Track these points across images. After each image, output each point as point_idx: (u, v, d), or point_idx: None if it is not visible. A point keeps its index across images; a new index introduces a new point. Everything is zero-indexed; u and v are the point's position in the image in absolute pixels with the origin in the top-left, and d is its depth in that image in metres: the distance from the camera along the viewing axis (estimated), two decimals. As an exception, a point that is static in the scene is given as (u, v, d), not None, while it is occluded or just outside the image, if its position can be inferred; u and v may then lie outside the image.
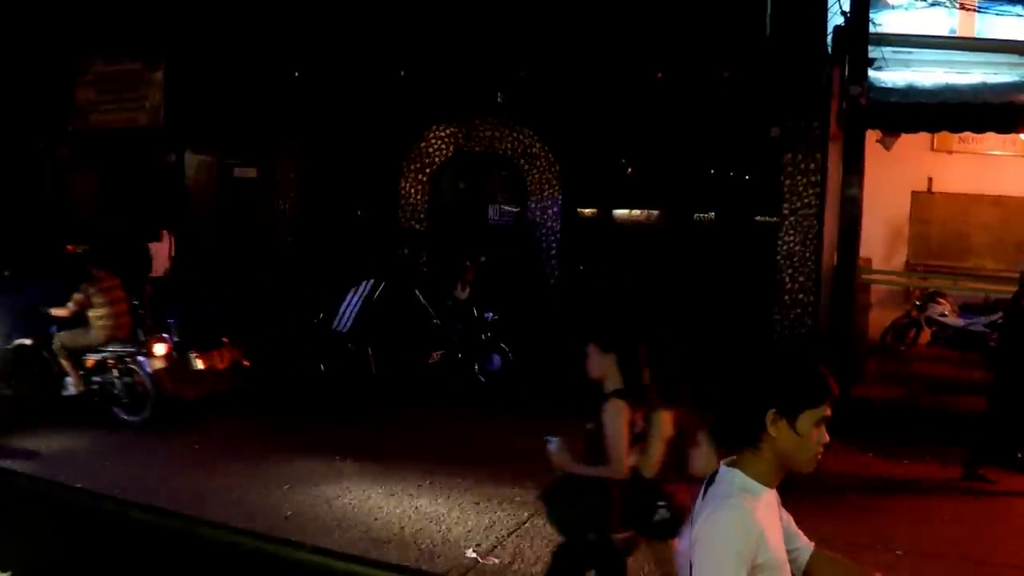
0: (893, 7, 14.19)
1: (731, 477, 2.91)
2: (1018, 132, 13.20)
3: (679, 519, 5.44)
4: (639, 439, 5.40)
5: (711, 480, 2.97)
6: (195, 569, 3.24)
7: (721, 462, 2.99)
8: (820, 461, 2.96)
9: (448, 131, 16.63)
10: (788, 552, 2.99)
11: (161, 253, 15.30)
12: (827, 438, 2.91)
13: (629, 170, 16.11)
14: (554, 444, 5.61)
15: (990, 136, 13.52)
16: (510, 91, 15.89)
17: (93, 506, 3.30)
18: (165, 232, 15.39)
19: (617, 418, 5.34)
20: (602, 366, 5.53)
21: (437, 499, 8.83)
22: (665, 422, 5.59)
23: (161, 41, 17.48)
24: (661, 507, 5.48)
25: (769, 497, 2.93)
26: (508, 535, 7.96)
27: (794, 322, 14.59)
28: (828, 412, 2.89)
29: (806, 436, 2.87)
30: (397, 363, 13.75)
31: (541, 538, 7.68)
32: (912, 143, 13.65)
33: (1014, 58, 13.68)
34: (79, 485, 8.04)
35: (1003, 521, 8.80)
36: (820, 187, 14.25)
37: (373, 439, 10.78)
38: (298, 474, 9.36)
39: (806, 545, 3.18)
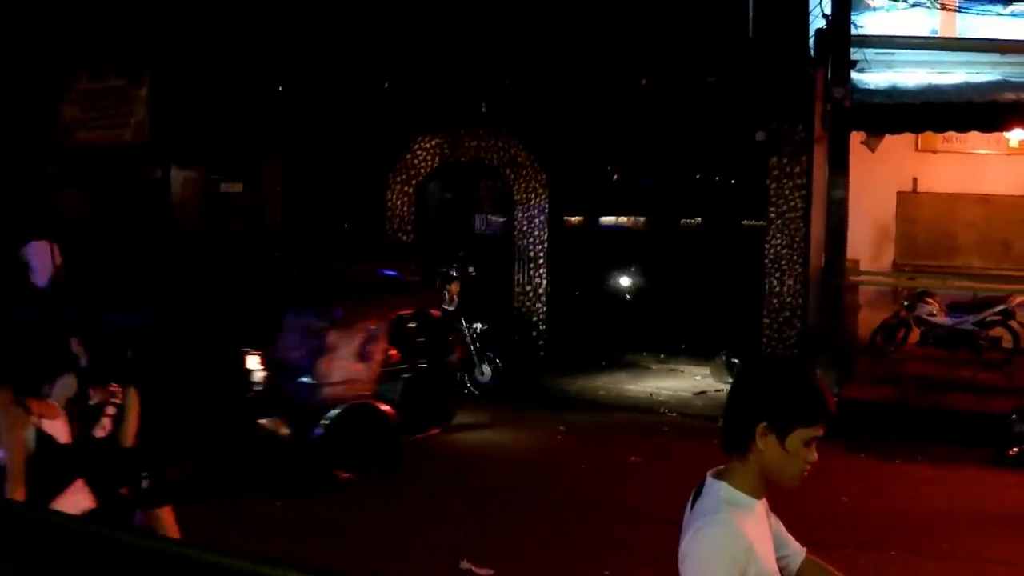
0: (874, 9, 14.22)
1: (716, 489, 2.87)
2: (1002, 130, 13.24)
3: (162, 486, 6.32)
4: (94, 413, 6.09)
5: (698, 492, 2.93)
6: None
7: (708, 473, 2.96)
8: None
9: (433, 142, 16.61)
10: (778, 559, 2.96)
11: (42, 263, 14.92)
12: (815, 457, 2.85)
13: (615, 176, 16.11)
14: None
15: (974, 135, 13.55)
16: (495, 100, 15.88)
17: (80, 529, 3.27)
18: (45, 241, 15.06)
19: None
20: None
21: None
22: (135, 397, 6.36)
23: (145, 57, 17.44)
24: (144, 476, 6.13)
25: (758, 508, 2.90)
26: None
27: (783, 325, 14.60)
28: (820, 432, 2.84)
29: (794, 454, 2.81)
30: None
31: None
32: (896, 144, 13.68)
33: (996, 57, 13.73)
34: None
35: (995, 519, 8.81)
36: (806, 190, 14.27)
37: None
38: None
39: (797, 551, 3.15)
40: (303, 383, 9.35)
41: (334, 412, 9.25)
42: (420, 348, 11.38)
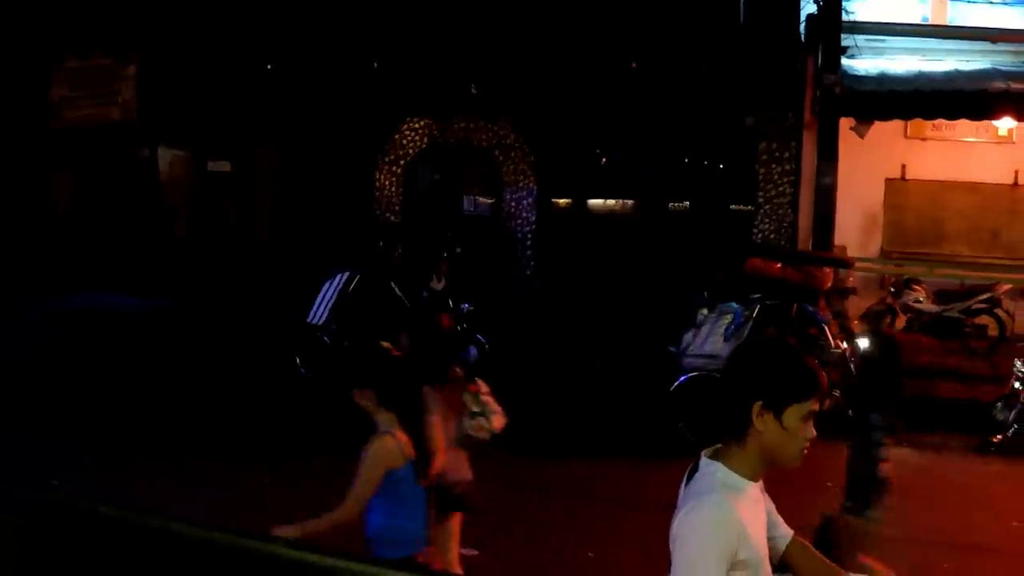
0: (866, -5, 14.23)
1: (712, 471, 2.86)
2: (991, 119, 13.26)
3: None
4: None
5: (692, 471, 2.92)
6: (170, 565, 3.19)
7: (703, 453, 2.95)
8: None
9: (423, 123, 16.57)
10: (768, 539, 2.96)
11: None
12: (814, 433, 2.86)
13: (603, 160, 16.11)
14: None
15: (963, 123, 13.58)
16: (484, 83, 15.85)
17: (66, 504, 3.26)
18: None
19: None
20: None
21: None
22: None
23: (133, 36, 17.33)
24: None
25: (753, 491, 2.89)
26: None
27: (770, 310, 14.62)
28: (816, 407, 2.84)
29: (792, 431, 2.82)
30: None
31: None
32: (885, 130, 13.68)
33: (986, 45, 13.74)
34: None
35: (980, 506, 8.84)
36: (795, 175, 14.29)
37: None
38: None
39: (785, 533, 3.15)
40: (669, 352, 11.11)
41: (683, 379, 10.71)
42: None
